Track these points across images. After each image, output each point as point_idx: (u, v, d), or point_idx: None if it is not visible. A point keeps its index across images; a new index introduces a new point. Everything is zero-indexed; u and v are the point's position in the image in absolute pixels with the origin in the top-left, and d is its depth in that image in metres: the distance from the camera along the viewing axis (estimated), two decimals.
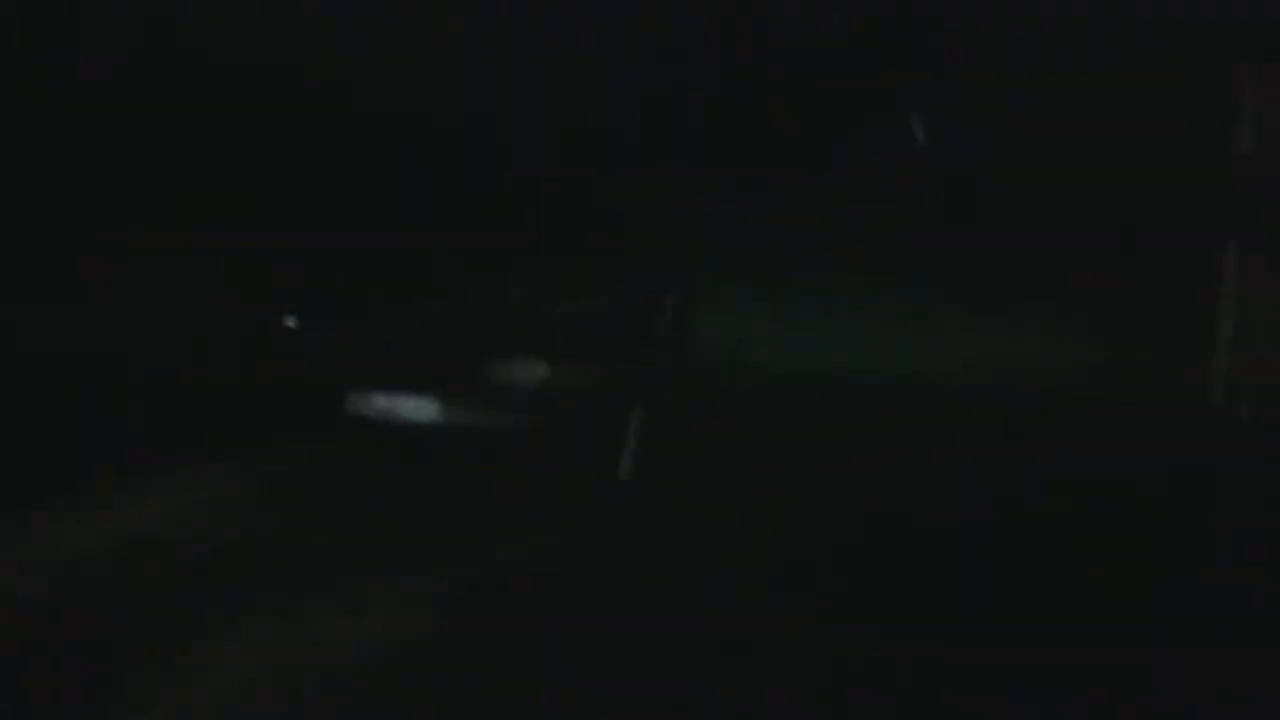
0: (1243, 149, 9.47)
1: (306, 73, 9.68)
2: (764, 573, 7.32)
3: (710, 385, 9.39)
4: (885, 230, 10.88)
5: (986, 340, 10.39)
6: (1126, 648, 6.54)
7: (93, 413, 8.47)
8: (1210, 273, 9.30)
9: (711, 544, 7.59)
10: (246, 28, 9.80)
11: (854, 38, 10.92)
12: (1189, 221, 9.88)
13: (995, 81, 11.07)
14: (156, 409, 8.58)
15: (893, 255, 10.81)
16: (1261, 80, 9.36)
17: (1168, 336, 9.74)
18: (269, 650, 6.23)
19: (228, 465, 8.27)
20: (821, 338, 10.42)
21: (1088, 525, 7.84)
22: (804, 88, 10.55)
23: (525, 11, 10.05)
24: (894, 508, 8.10)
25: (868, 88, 10.94)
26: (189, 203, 9.30)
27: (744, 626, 6.64)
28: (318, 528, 7.51)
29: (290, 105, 9.59)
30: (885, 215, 10.99)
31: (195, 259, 9.20)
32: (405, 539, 7.41)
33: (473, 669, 6.13)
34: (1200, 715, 6.05)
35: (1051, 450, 8.70)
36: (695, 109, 10.40)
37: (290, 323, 8.88)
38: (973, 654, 6.44)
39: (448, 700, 5.89)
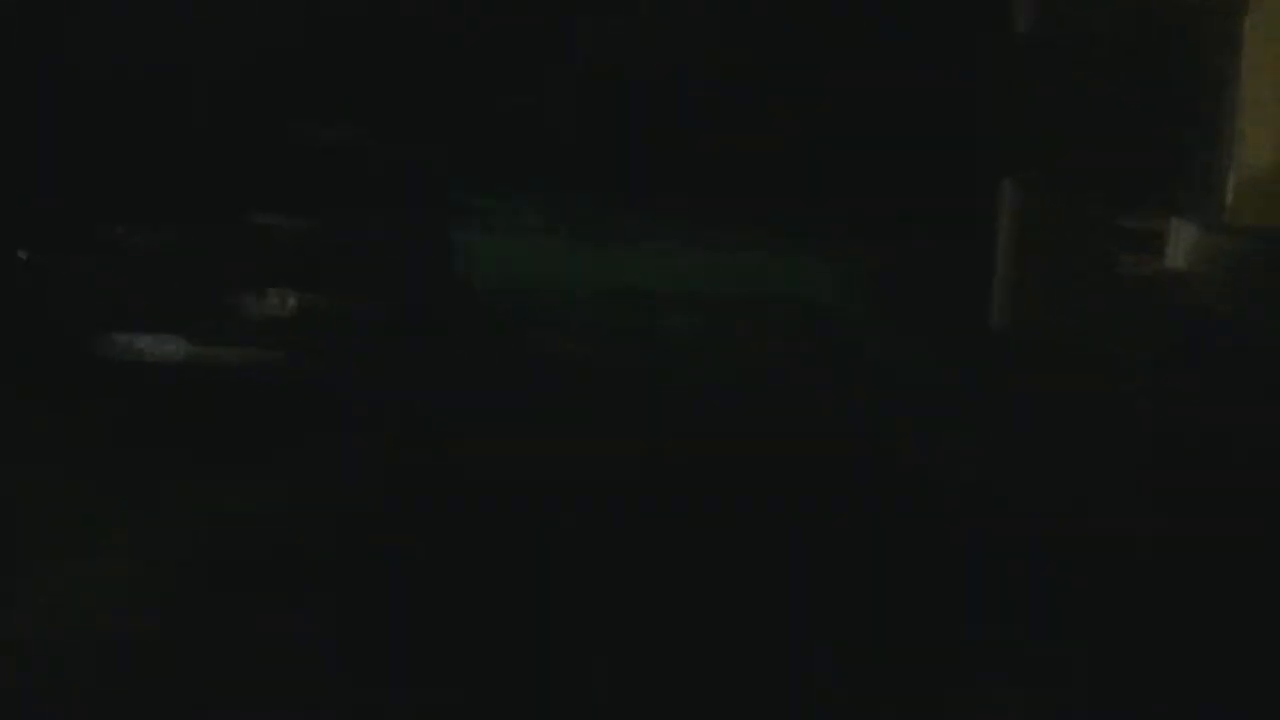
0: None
1: None
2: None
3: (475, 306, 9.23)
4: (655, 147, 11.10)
5: (758, 260, 10.58)
6: None
7: None
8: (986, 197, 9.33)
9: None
10: None
11: None
12: (961, 147, 9.96)
13: None
14: None
15: (662, 175, 11.04)
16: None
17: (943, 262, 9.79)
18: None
19: None
20: (590, 255, 10.55)
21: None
22: None
23: None
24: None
25: None
26: None
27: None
28: (54, 472, 6.96)
29: None
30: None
31: None
32: (152, 481, 6.88)
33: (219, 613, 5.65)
34: None
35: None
36: None
37: (22, 255, 8.51)
38: None
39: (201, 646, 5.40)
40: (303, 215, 8.87)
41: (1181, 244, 8.30)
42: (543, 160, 11.44)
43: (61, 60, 10.40)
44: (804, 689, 5.05)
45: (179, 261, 8.43)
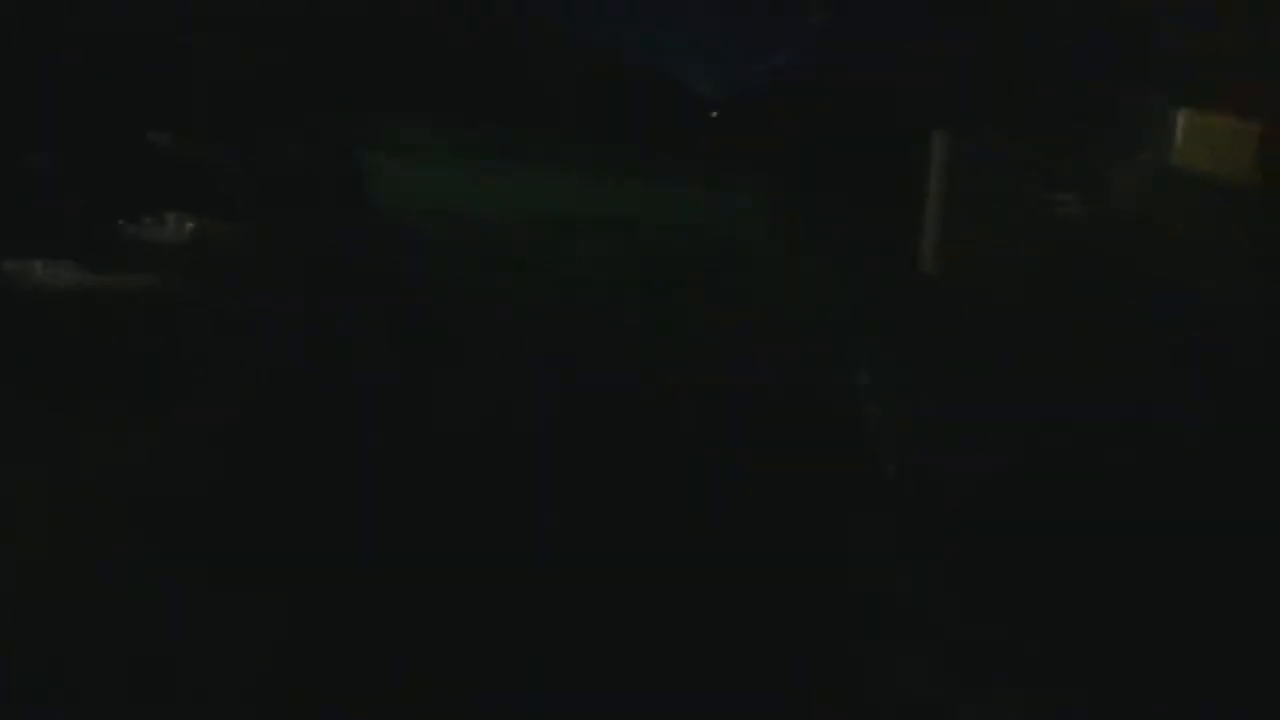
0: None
1: None
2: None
3: (387, 233, 9.06)
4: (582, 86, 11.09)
5: (679, 194, 10.51)
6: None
7: None
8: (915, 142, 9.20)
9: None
10: None
11: None
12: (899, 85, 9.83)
13: None
14: None
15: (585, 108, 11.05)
16: None
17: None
18: None
19: None
20: (508, 183, 10.45)
21: None
22: None
23: None
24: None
25: None
26: None
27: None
28: None
29: None
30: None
31: None
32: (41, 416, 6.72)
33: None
34: None
35: None
36: None
37: None
38: None
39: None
40: (205, 137, 8.67)
41: (1128, 189, 8.11)
42: (453, 85, 11.44)
43: None
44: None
45: (77, 184, 8.15)
